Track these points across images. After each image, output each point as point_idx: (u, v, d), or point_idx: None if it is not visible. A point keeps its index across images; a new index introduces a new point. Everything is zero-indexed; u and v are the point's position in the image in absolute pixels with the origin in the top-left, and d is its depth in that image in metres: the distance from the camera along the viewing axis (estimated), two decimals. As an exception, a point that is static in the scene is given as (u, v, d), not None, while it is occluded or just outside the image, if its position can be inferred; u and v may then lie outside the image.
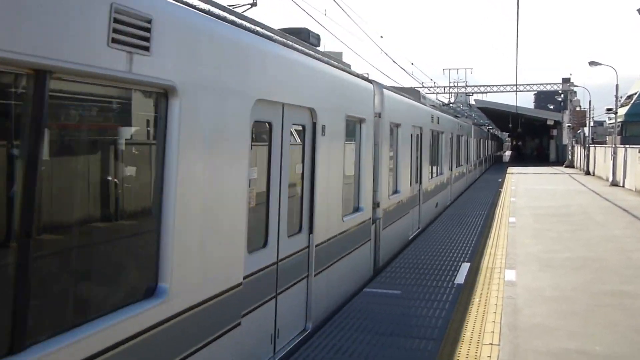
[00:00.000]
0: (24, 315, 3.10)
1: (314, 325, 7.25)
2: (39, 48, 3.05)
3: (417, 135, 15.05)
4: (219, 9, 5.12)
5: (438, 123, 18.76)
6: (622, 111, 52.41)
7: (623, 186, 30.49)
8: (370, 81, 10.39)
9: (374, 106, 10.30)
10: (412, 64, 72.66)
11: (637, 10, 25.90)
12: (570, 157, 54.03)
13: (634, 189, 28.20)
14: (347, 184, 8.69)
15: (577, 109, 64.52)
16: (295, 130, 6.85)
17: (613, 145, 33.24)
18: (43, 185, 3.28)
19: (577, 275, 10.31)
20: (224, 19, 5.04)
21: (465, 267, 10.75)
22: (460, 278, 9.87)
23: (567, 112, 58.73)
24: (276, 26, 6.97)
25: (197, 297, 4.54)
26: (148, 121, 4.40)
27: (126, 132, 4.26)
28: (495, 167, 55.35)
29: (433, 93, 57.53)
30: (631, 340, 7.03)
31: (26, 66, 3.06)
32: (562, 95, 61.27)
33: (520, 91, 57.96)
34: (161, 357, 4.12)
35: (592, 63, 38.48)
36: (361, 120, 9.48)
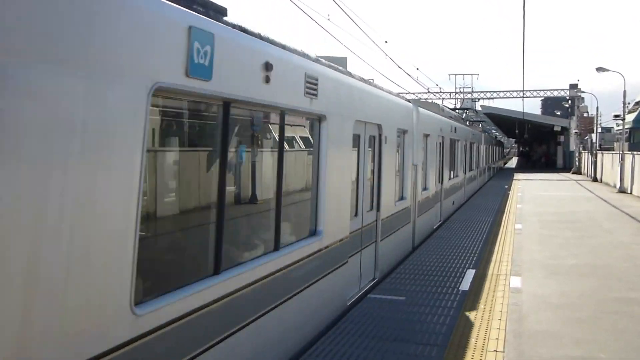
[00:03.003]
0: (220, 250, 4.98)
1: (380, 275, 10.17)
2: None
3: (440, 143, 17.00)
4: (342, 72, 8.21)
5: (455, 132, 21.38)
6: (629, 117, 52.20)
7: (631, 193, 30.32)
8: (409, 101, 13.30)
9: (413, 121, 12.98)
10: (418, 69, 72.47)
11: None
12: (577, 164, 53.80)
13: (641, 196, 28.05)
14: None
15: (585, 115, 64.15)
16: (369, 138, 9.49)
17: (621, 152, 33.07)
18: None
19: (584, 282, 10.28)
20: (346, 73, 8.46)
21: (471, 273, 10.74)
22: (466, 284, 9.87)
23: (575, 118, 58.56)
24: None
25: (335, 238, 7.68)
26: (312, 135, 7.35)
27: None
28: (500, 174, 55.16)
29: (439, 99, 57.54)
30: (637, 348, 7.00)
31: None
32: (570, 102, 61.04)
33: (527, 97, 57.94)
34: (325, 266, 7.34)
35: (599, 69, 38.27)
36: (404, 132, 12.23)
